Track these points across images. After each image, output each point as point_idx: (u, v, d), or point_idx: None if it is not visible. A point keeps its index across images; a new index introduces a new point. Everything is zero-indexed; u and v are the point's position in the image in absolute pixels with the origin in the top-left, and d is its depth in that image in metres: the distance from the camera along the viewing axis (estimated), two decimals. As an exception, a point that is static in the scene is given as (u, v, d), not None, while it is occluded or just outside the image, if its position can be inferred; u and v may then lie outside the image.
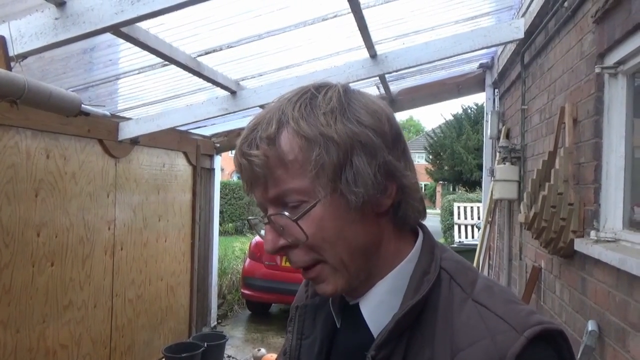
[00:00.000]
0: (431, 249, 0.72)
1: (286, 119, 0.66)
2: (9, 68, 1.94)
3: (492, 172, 4.17)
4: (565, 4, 2.54)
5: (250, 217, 0.79)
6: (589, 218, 2.20)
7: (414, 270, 0.70)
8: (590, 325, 2.05)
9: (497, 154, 4.18)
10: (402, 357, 0.65)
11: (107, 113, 2.77)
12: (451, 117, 23.50)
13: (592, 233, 2.14)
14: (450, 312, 0.66)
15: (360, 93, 0.71)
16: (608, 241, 2.02)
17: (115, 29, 2.03)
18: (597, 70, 2.09)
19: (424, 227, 0.76)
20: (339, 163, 0.65)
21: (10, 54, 1.95)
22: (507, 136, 4.24)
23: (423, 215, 0.75)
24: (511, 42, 3.53)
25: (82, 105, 2.28)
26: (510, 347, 0.59)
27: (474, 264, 4.89)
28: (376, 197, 0.67)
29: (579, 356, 2.07)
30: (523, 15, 3.31)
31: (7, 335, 2.88)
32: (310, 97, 0.68)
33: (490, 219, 4.73)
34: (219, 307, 6.29)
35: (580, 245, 2.20)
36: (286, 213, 0.66)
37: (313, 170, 0.64)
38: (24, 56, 1.98)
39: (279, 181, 0.66)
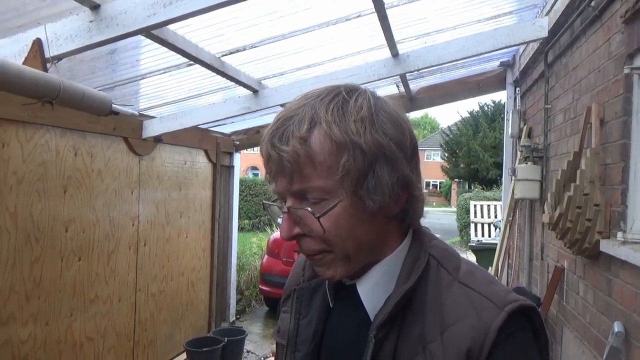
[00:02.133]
0: (421, 237, 0.80)
1: (319, 120, 0.69)
2: (45, 69, 1.99)
3: (513, 171, 4.15)
4: (592, 3, 2.52)
5: (264, 201, 0.85)
6: (616, 219, 2.19)
7: (406, 256, 0.77)
8: (617, 327, 2.04)
9: (519, 153, 4.16)
10: (397, 334, 0.73)
11: (136, 112, 2.83)
12: (467, 114, 23.30)
13: (619, 234, 2.13)
14: (438, 293, 0.73)
15: (385, 102, 0.75)
16: (635, 242, 2.01)
17: (147, 32, 2.08)
18: (626, 70, 2.08)
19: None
20: (364, 170, 0.70)
21: (46, 55, 2.01)
22: (529, 135, 4.21)
23: (421, 218, 0.82)
24: (535, 41, 3.50)
25: (113, 105, 2.33)
26: (493, 320, 0.68)
27: (494, 263, 4.87)
28: (389, 204, 0.73)
29: (604, 357, 2.07)
30: (547, 14, 3.28)
31: (37, 327, 2.97)
32: (342, 101, 0.71)
33: (510, 219, 4.71)
34: (237, 302, 6.37)
35: (606, 246, 2.19)
36: (309, 209, 0.71)
37: (340, 174, 0.69)
38: (59, 58, 2.03)
39: (306, 178, 0.70)
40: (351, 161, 0.69)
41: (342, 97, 0.72)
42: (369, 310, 0.76)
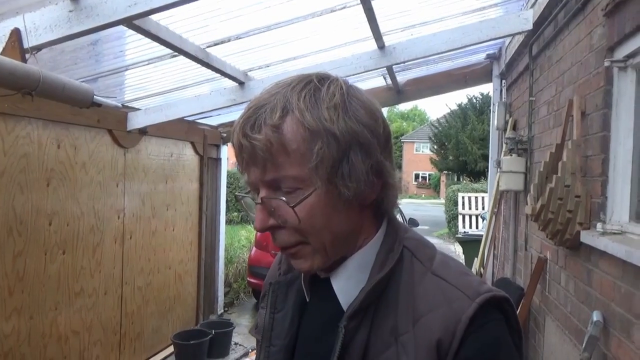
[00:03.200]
0: (395, 229, 0.79)
1: (291, 108, 0.68)
2: (24, 60, 1.96)
3: (498, 164, 4.18)
4: (575, -4, 2.54)
5: (237, 193, 0.83)
6: (596, 210, 2.22)
7: (380, 248, 0.76)
8: (595, 316, 2.08)
9: (504, 145, 4.19)
10: (369, 325, 0.72)
11: (119, 104, 2.79)
12: (456, 107, 23.39)
13: (599, 225, 2.16)
14: (411, 284, 0.72)
15: (358, 90, 0.75)
16: (614, 233, 2.04)
17: (129, 22, 2.05)
18: (607, 63, 2.10)
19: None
20: (338, 158, 0.69)
21: (25, 46, 1.98)
22: (514, 127, 4.24)
23: (395, 207, 0.82)
24: (520, 33, 3.52)
25: (94, 97, 2.30)
26: (464, 311, 0.67)
27: (479, 254, 4.92)
28: (364, 192, 0.72)
29: (583, 346, 2.11)
30: (532, 7, 3.30)
31: (21, 321, 2.95)
32: (314, 88, 0.70)
33: (495, 210, 4.75)
34: (225, 295, 6.37)
35: (586, 237, 2.22)
36: (283, 198, 0.69)
37: (313, 162, 0.68)
38: (38, 48, 2.00)
39: (279, 167, 0.69)
40: (325, 148, 0.68)
41: (313, 85, 0.71)
42: (343, 303, 0.76)
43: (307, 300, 0.82)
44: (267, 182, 0.71)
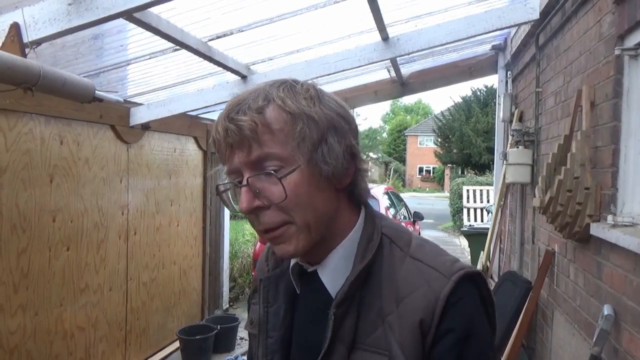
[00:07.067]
0: (373, 219, 0.86)
1: (272, 97, 0.76)
2: (24, 55, 1.94)
3: (504, 156, 4.14)
4: (584, -17, 2.48)
5: (218, 184, 0.84)
6: (606, 202, 2.18)
7: (360, 238, 0.83)
8: (606, 310, 2.05)
9: (510, 137, 4.14)
10: (357, 309, 0.79)
11: (120, 99, 2.77)
12: (460, 100, 23.27)
13: (609, 217, 2.12)
14: (393, 269, 0.80)
15: (328, 92, 0.84)
16: (626, 225, 2.00)
17: (128, 15, 2.02)
18: (617, 52, 2.05)
19: (366, 203, 0.89)
20: (318, 139, 0.77)
21: (25, 40, 1.95)
22: (520, 119, 4.19)
23: (368, 195, 0.89)
24: (526, 23, 3.46)
25: (96, 92, 2.28)
26: (442, 289, 0.75)
27: (485, 248, 4.89)
28: (341, 173, 0.79)
29: (594, 340, 2.08)
30: (539, -5, 3.24)
31: (26, 318, 2.94)
32: (290, 85, 0.79)
33: (502, 203, 4.71)
34: (230, 290, 6.36)
35: (596, 229, 2.18)
36: (272, 171, 0.75)
37: (296, 141, 0.75)
38: (38, 43, 1.97)
39: (264, 145, 0.75)
40: (306, 129, 0.75)
41: (289, 83, 0.79)
42: (332, 292, 0.82)
43: (298, 292, 0.88)
44: (253, 162, 0.75)
